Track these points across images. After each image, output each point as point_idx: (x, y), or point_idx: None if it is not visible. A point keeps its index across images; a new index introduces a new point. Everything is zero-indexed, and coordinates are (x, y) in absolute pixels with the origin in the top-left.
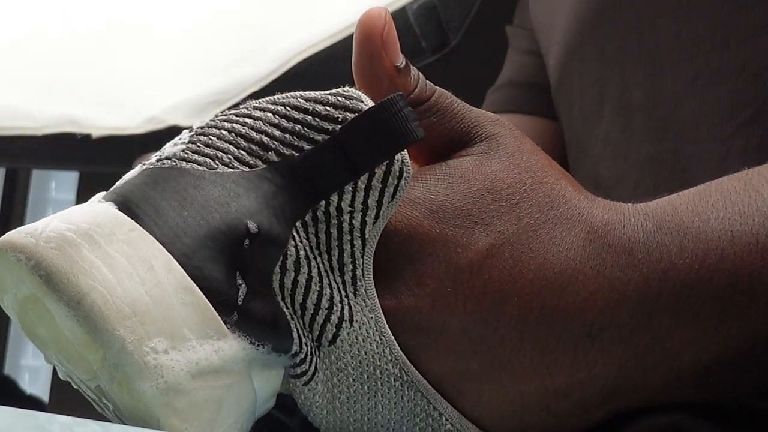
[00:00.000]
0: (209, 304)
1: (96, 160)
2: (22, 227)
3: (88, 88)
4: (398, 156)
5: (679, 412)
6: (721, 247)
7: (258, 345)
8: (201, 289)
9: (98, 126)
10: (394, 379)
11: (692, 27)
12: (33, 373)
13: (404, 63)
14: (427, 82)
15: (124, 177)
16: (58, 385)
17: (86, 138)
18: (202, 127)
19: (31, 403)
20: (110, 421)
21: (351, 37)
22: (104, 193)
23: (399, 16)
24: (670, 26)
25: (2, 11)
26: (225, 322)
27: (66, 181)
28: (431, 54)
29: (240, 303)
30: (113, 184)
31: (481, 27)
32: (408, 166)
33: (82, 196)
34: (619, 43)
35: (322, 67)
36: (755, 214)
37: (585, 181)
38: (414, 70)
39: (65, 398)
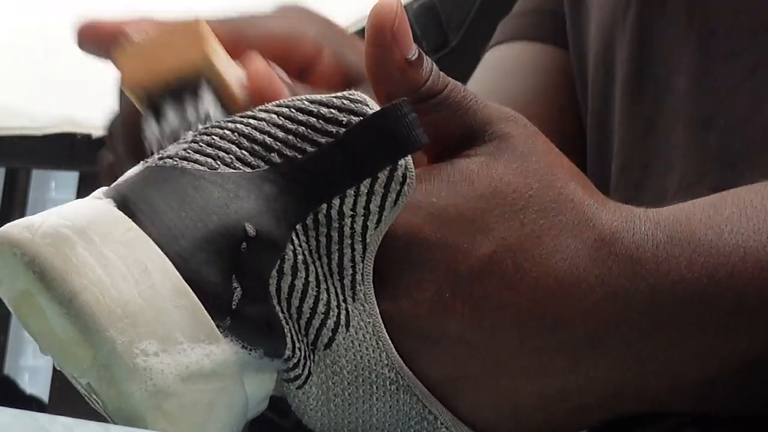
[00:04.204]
0: (203, 308)
1: (96, 160)
2: (19, 220)
3: (88, 88)
4: (402, 161)
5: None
6: (732, 263)
7: (250, 349)
8: (195, 292)
9: (98, 126)
10: (390, 383)
11: (754, 11)
12: (33, 373)
13: (416, 55)
14: (441, 74)
15: (125, 174)
16: (58, 385)
17: (86, 138)
18: (206, 127)
19: (30, 403)
20: (105, 419)
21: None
22: (105, 188)
23: None
24: (727, 8)
25: (2, 10)
26: (218, 326)
27: (66, 181)
28: (431, 54)
29: (234, 307)
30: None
31: (481, 27)
32: (412, 171)
33: (82, 196)
34: (668, 19)
35: None
36: None
37: (612, 163)
38: (427, 62)
39: (65, 398)
